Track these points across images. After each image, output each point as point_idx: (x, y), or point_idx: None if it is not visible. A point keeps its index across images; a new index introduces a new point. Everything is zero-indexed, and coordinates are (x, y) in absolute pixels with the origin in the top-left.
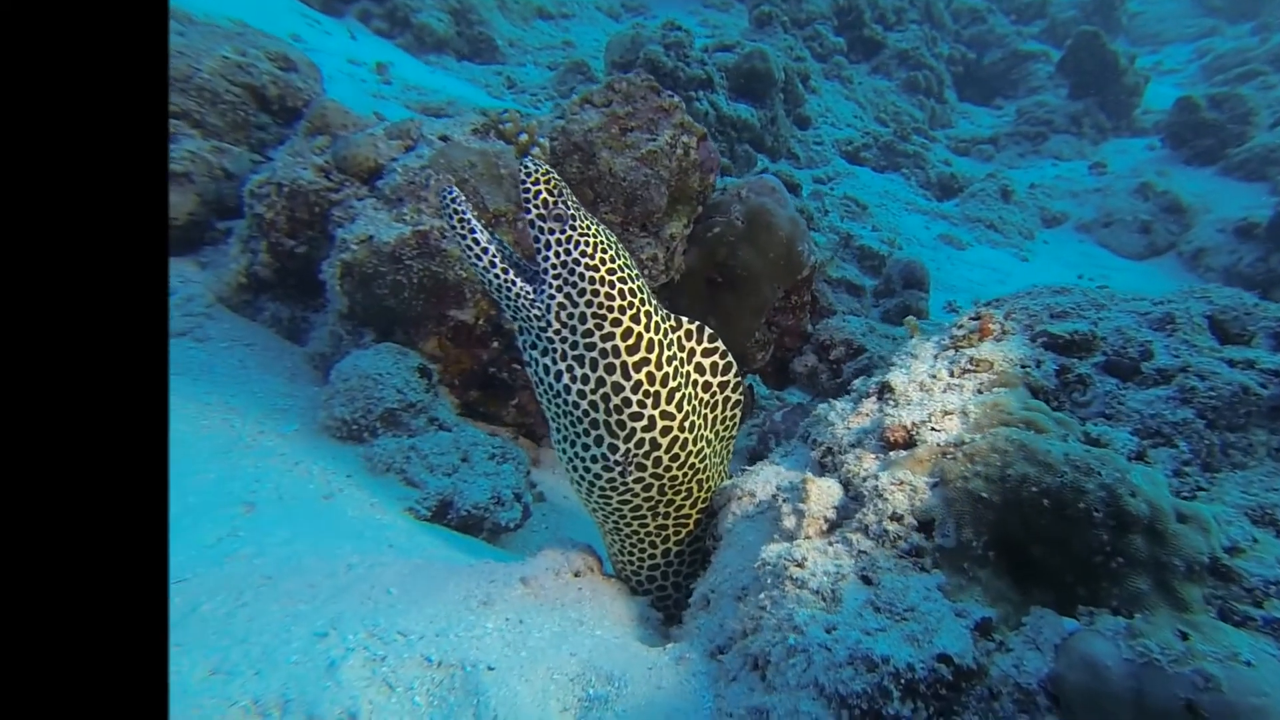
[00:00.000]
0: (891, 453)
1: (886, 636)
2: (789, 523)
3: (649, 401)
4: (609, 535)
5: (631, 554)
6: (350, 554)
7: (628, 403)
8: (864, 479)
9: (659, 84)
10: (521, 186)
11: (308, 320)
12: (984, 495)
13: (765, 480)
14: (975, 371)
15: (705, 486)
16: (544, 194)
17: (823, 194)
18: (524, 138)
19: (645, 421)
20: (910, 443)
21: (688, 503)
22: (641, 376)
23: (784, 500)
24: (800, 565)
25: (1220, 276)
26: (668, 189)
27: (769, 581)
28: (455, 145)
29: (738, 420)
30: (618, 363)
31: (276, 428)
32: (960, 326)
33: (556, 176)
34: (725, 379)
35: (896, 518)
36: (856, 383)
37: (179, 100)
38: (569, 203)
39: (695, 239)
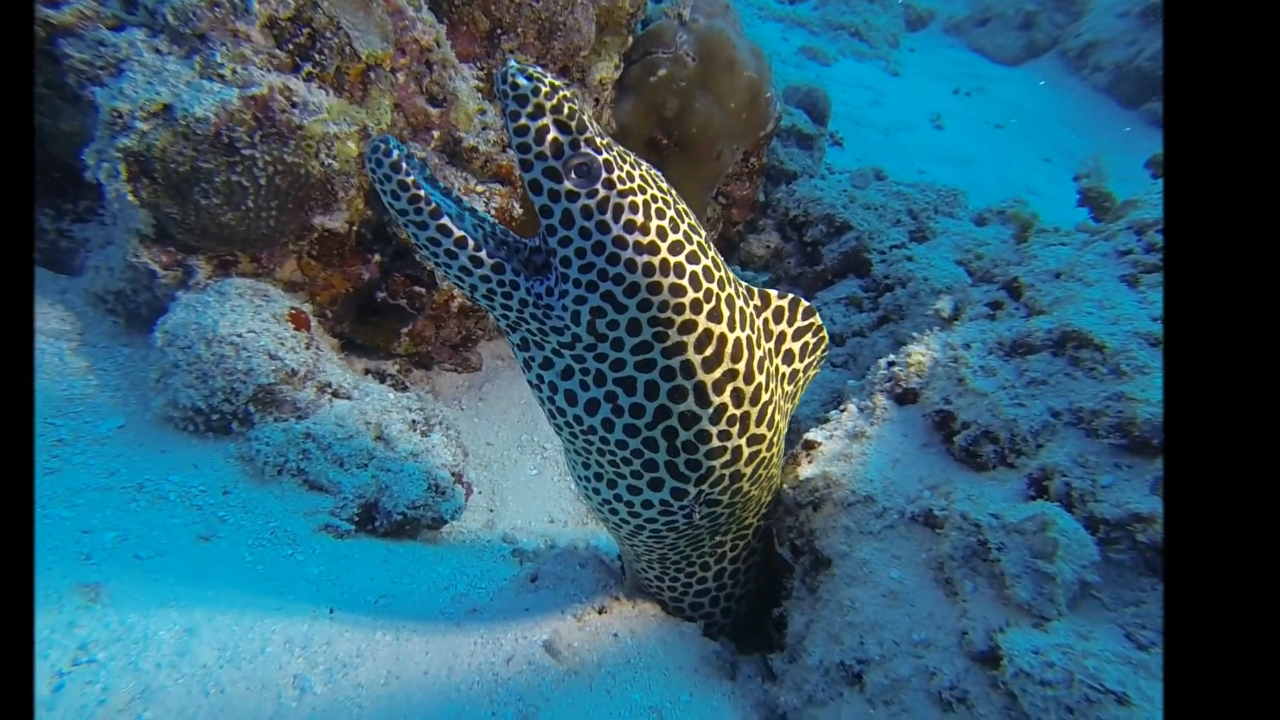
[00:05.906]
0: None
1: None
2: (1022, 592)
3: (734, 430)
4: (646, 560)
5: (676, 579)
6: (288, 655)
7: (704, 437)
8: (1134, 515)
9: None
10: (510, 117)
11: (72, 236)
12: None
13: (884, 479)
14: None
15: (773, 490)
16: (552, 131)
17: None
18: None
19: (728, 456)
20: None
21: (754, 515)
22: (725, 399)
23: (997, 547)
24: (1123, 702)
25: (1110, 76)
26: (596, 11)
27: (1050, 716)
28: None
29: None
30: (690, 385)
31: (89, 429)
32: (1142, 227)
33: (568, 93)
34: (813, 358)
35: None
36: (987, 323)
37: None
38: (596, 140)
39: (630, 84)
